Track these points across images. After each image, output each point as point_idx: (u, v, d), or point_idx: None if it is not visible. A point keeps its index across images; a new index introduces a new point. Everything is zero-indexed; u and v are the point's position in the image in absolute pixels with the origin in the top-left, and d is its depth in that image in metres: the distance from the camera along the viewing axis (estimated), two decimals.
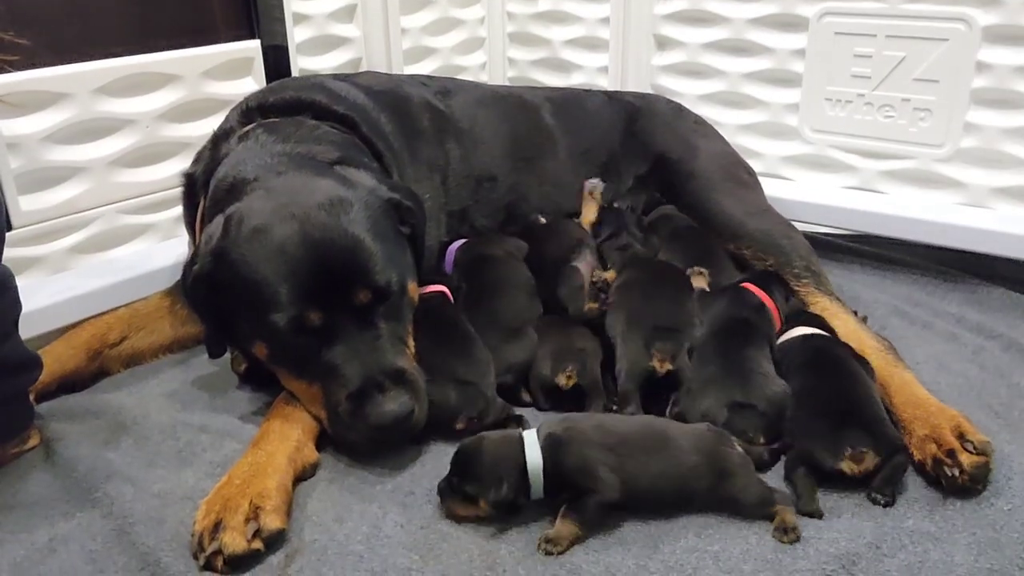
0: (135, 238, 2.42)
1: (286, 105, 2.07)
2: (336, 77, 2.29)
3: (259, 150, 1.88)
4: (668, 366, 1.79)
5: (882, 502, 1.53)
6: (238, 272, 1.65)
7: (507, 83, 3.36)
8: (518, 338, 1.93)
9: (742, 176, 2.50)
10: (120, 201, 2.35)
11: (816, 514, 1.50)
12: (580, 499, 1.47)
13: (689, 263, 2.14)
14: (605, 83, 3.10)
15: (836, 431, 1.57)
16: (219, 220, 1.72)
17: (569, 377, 1.82)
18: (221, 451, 1.73)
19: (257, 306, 1.64)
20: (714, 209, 2.31)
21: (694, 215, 2.35)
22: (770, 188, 2.57)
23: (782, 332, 1.93)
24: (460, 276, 2.12)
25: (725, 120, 2.89)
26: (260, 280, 1.63)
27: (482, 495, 1.49)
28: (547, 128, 2.56)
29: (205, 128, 2.23)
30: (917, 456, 1.61)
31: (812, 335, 1.88)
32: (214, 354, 1.86)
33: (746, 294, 1.96)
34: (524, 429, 1.61)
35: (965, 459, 1.55)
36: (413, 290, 1.83)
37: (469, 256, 2.17)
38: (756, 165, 2.66)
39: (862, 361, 1.80)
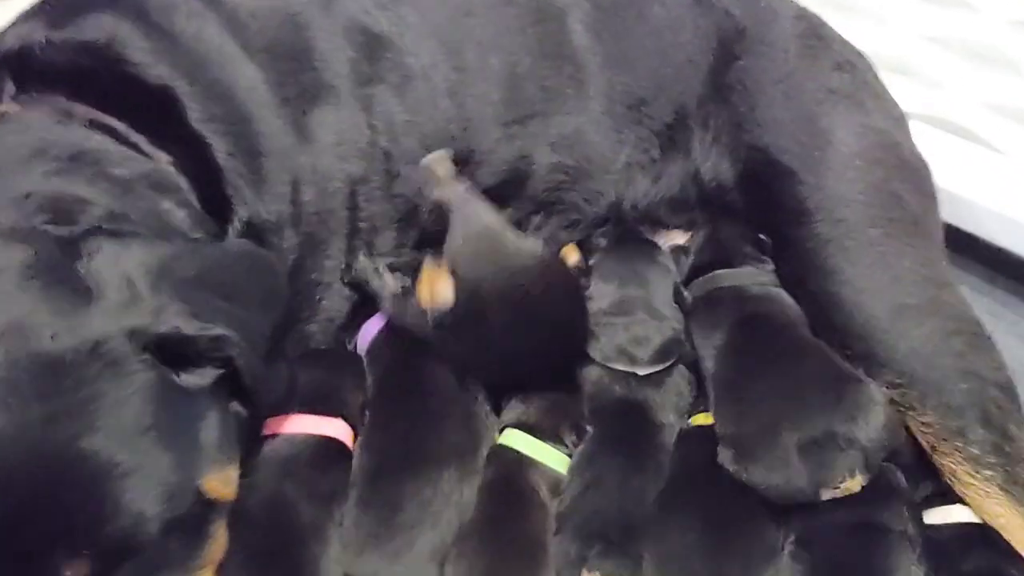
0: None
1: (65, 64, 1.14)
2: None
3: None
4: None
5: None
6: None
7: None
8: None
9: (902, 203, 1.30)
10: None
11: None
12: None
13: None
14: None
15: None
16: None
17: None
18: None
19: None
20: (836, 294, 1.24)
21: (801, 295, 1.28)
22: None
23: None
24: (374, 380, 1.23)
25: None
26: None
27: None
28: (574, 53, 1.45)
29: None
30: None
31: None
32: None
33: None
34: None
35: None
36: (215, 488, 1.01)
37: (395, 356, 1.25)
38: None
39: None
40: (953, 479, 1.14)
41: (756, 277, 1.34)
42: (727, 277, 1.34)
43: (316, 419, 1.15)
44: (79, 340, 0.88)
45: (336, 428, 1.16)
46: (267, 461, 1.11)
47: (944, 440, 1.15)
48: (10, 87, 1.14)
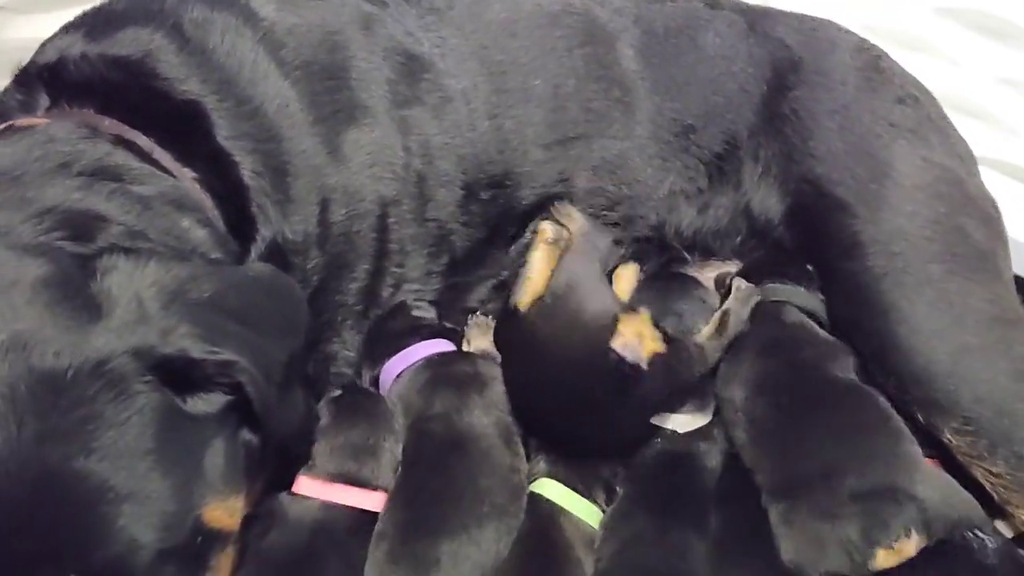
0: None
1: (97, 78, 1.13)
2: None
3: None
4: None
5: None
6: None
7: None
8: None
9: (967, 238, 1.22)
10: None
11: None
12: None
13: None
14: None
15: None
16: None
17: None
18: None
19: None
20: (892, 333, 1.14)
21: (856, 337, 1.19)
22: None
23: None
24: (408, 426, 1.16)
25: None
26: None
27: None
28: (623, 76, 1.39)
29: None
30: None
31: None
32: None
33: None
34: None
35: None
36: (217, 518, 0.97)
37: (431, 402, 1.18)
38: None
39: None
40: None
41: (808, 300, 1.24)
42: (776, 292, 1.25)
43: (359, 492, 1.10)
44: (82, 358, 0.85)
45: (375, 501, 1.10)
46: (299, 519, 1.06)
47: (1015, 492, 1.06)
48: (44, 99, 1.14)
